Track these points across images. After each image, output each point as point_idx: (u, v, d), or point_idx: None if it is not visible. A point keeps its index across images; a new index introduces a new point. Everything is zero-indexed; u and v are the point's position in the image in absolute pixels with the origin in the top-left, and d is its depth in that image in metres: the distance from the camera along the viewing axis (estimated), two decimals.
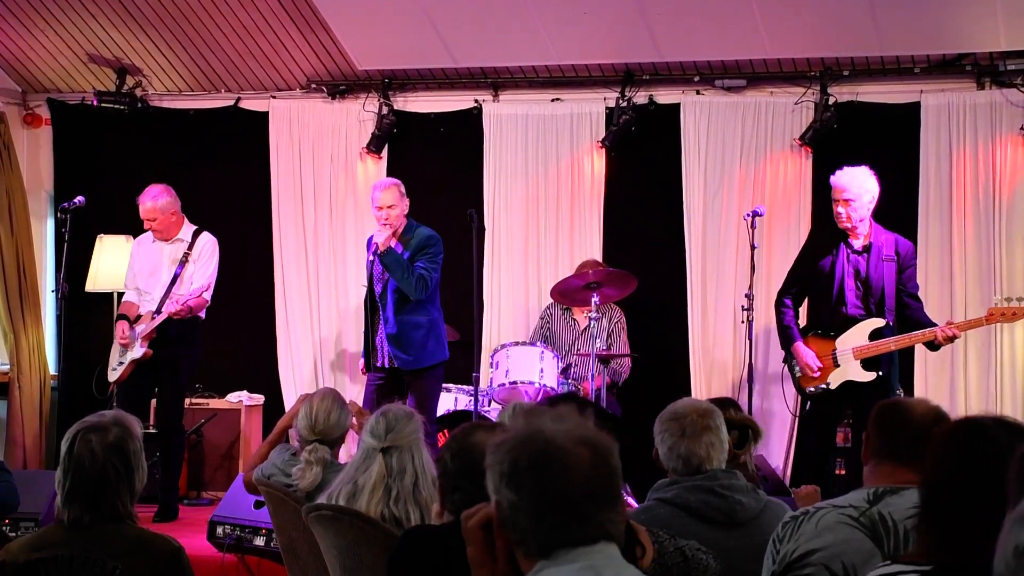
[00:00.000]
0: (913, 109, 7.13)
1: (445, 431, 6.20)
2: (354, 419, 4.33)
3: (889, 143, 7.25)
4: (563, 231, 7.63)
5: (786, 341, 6.08)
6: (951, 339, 5.79)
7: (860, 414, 5.97)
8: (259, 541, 4.92)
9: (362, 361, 6.58)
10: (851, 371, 5.86)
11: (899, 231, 7.12)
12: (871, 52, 7.05)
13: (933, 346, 5.88)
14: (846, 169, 5.96)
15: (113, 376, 6.64)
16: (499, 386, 6.55)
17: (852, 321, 5.89)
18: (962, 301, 6.96)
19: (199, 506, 7.12)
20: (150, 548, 2.84)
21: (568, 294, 6.85)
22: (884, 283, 5.87)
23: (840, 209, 5.86)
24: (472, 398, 6.49)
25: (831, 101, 7.12)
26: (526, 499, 1.72)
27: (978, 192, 7.01)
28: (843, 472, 6.52)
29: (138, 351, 6.51)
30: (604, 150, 7.53)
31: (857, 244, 5.93)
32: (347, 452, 5.25)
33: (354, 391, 7.49)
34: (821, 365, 5.90)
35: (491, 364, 6.73)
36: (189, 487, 7.37)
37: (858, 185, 5.84)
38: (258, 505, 4.74)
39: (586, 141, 7.60)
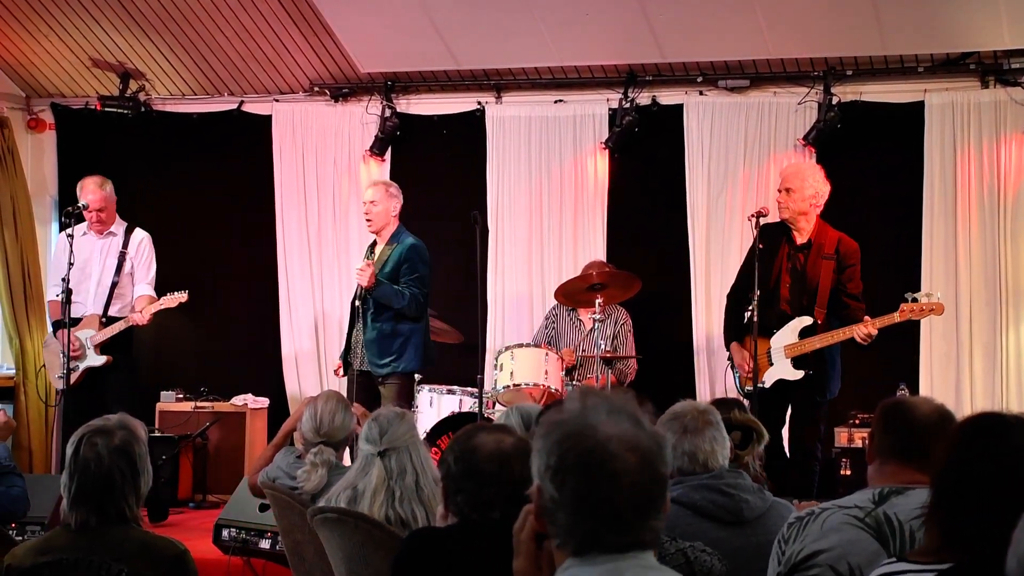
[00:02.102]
0: (917, 108, 7.11)
1: (449, 434, 6.19)
2: (358, 422, 4.33)
3: (893, 143, 7.25)
4: (567, 232, 7.63)
5: (727, 340, 6.15)
6: (870, 336, 5.72)
7: (793, 412, 6.02)
8: (264, 544, 4.92)
9: (339, 362, 6.57)
10: (782, 369, 5.90)
11: (904, 230, 7.13)
12: (874, 51, 7.04)
13: (860, 345, 5.80)
14: (795, 162, 6.21)
15: (61, 384, 6.44)
16: (503, 388, 6.54)
17: (785, 318, 5.92)
18: (967, 300, 6.95)
19: (204, 509, 7.12)
20: (156, 551, 2.84)
21: (572, 295, 6.84)
22: (819, 280, 5.88)
23: (780, 199, 5.98)
24: (476, 400, 6.48)
25: (835, 101, 7.11)
26: (568, 497, 1.69)
27: (983, 191, 7.00)
28: (848, 472, 6.50)
29: (97, 359, 6.46)
30: (607, 151, 7.53)
31: (799, 240, 5.98)
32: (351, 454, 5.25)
33: None
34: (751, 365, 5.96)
35: (495, 366, 6.72)
36: (194, 490, 7.37)
37: (800, 178, 5.95)
38: (263, 508, 4.74)
39: (589, 142, 7.59)
